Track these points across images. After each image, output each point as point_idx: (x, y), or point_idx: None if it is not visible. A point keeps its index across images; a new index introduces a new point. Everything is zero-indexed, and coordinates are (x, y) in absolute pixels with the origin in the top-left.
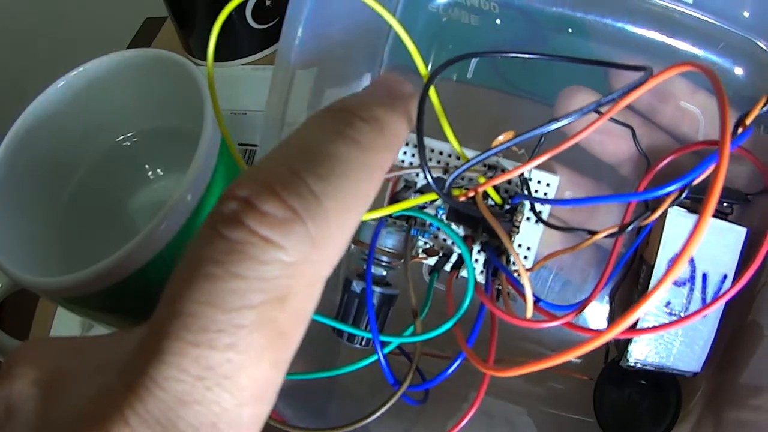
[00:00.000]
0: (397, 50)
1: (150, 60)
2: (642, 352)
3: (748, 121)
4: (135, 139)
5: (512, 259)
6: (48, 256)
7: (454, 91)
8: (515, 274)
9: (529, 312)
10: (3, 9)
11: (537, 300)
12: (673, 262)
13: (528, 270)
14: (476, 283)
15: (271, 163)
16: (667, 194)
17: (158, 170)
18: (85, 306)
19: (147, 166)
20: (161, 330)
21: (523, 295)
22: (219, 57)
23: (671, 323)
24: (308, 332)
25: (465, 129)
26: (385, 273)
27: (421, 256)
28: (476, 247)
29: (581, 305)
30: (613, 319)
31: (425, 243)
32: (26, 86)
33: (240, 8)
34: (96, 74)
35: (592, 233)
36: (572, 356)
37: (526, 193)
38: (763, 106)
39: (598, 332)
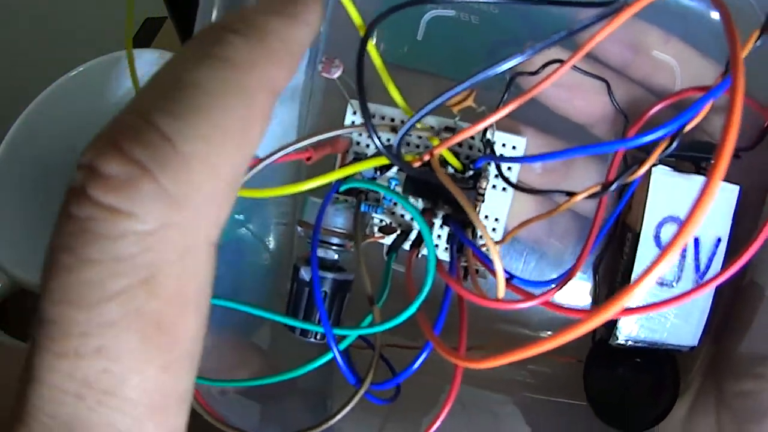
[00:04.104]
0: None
1: (149, 60)
2: (632, 329)
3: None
4: None
5: (479, 232)
6: None
7: None
8: (483, 249)
9: (501, 291)
10: (2, 9)
11: (510, 277)
12: (677, 233)
13: (497, 243)
14: (439, 261)
15: (122, 112)
16: (657, 140)
17: None
18: None
19: None
20: (32, 342)
21: (493, 272)
22: None
23: (665, 301)
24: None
25: None
26: (336, 257)
27: (377, 235)
28: (437, 222)
29: (561, 281)
30: (597, 293)
31: (380, 221)
32: (26, 86)
33: None
34: (96, 74)
35: (571, 194)
36: (555, 344)
37: (489, 153)
38: (757, 40)
39: (582, 312)
